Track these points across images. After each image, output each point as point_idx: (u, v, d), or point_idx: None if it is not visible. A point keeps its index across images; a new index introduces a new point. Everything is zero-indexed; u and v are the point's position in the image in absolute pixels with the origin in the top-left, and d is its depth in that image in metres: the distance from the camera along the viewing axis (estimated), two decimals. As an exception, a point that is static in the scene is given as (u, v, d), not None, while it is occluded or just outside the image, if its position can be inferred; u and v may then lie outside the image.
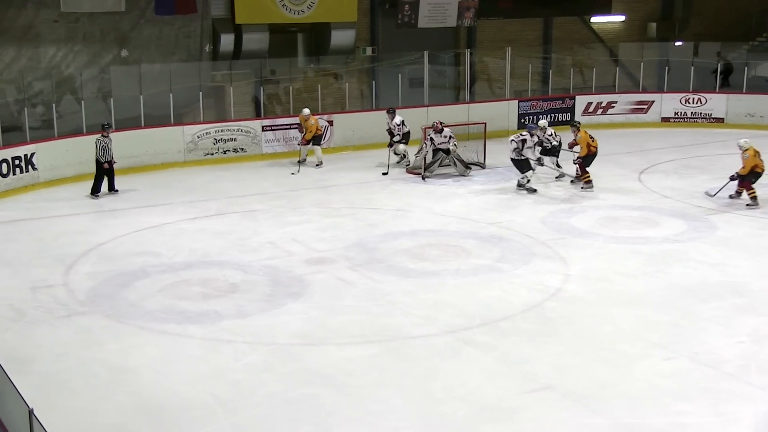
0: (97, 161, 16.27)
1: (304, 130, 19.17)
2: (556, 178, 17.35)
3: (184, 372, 8.94)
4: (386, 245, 13.17)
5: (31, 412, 5.94)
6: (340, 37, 22.80)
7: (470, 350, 9.43)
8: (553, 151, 17.37)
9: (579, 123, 17.54)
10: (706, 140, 21.67)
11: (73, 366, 9.11)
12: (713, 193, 15.59)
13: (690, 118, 23.77)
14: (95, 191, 16.33)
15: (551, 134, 17.33)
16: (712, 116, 23.60)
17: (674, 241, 13.32)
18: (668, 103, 23.89)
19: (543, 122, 17.78)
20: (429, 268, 12.15)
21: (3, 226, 14.45)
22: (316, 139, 19.29)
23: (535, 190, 16.34)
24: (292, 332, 9.96)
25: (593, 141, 16.54)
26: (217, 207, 15.64)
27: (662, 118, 23.93)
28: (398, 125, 18.87)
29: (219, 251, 13.02)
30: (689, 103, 23.75)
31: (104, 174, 16.41)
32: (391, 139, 18.84)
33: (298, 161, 19.25)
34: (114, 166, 16.57)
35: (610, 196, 16.09)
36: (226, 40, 21.39)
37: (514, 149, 16.32)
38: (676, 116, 23.87)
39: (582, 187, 16.50)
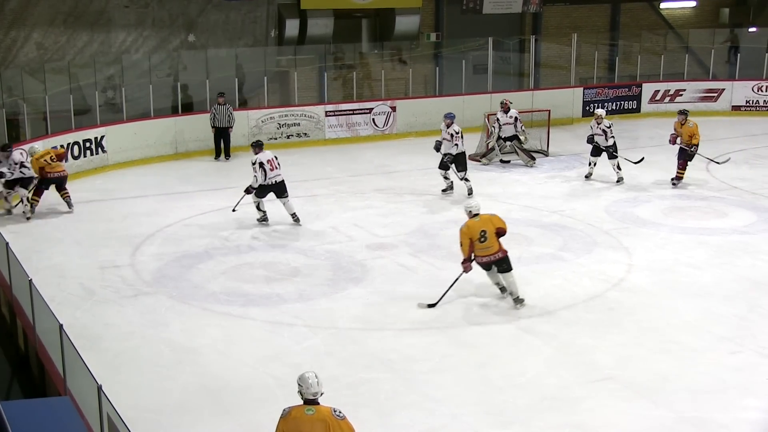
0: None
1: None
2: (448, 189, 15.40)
3: (245, 353, 9.08)
4: (448, 232, 13.12)
5: (99, 389, 6.10)
6: (405, 23, 22.76)
7: (531, 339, 9.37)
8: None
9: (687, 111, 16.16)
10: (779, 130, 21.07)
11: (139, 345, 9.33)
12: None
13: (762, 106, 23.12)
14: (216, 155, 18.44)
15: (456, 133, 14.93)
16: (786, 105, 22.98)
17: (743, 232, 13.01)
18: (739, 91, 23.26)
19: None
20: (490, 256, 12.08)
21: (75, 206, 14.82)
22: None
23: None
24: (352, 317, 10.02)
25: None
26: (281, 191, 15.78)
27: (733, 106, 23.33)
28: None
29: (281, 235, 13.16)
30: (762, 91, 23.10)
31: (218, 140, 18.27)
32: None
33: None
34: (230, 133, 18.43)
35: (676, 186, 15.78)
36: (292, 26, 21.53)
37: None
38: (748, 105, 23.26)
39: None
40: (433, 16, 24.08)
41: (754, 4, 27.50)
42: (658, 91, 23.45)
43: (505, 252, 10.09)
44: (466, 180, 15.15)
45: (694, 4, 27.44)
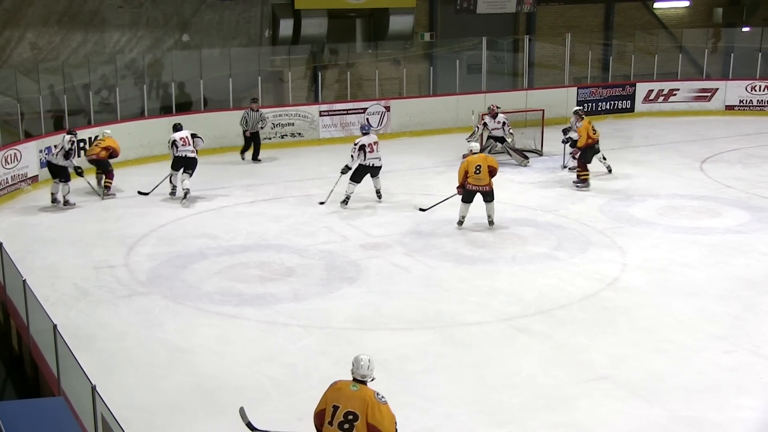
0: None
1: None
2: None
3: (240, 353, 9.08)
4: (442, 231, 13.16)
5: (93, 389, 6.09)
6: (399, 23, 22.76)
7: (525, 338, 9.38)
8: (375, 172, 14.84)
9: (582, 110, 16.66)
10: (772, 129, 21.12)
11: (133, 345, 9.32)
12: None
13: (756, 106, 23.19)
14: (242, 153, 18.57)
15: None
16: (779, 105, 23.04)
17: (737, 231, 13.04)
18: (733, 90, 23.32)
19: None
20: (484, 255, 12.11)
21: (69, 206, 14.79)
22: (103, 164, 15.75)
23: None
24: (346, 316, 10.02)
25: (594, 133, 15.49)
26: (275, 191, 15.80)
27: (726, 106, 23.39)
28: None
29: (276, 235, 13.16)
30: (755, 90, 23.16)
31: (248, 142, 18.26)
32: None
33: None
34: (260, 136, 18.52)
35: (670, 186, 15.81)
36: (286, 25, 21.51)
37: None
38: (741, 104, 23.31)
39: (576, 184, 15.65)
40: (427, 16, 24.08)
41: (747, 3, 27.55)
42: (652, 90, 23.50)
43: (492, 187, 12.98)
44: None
45: (687, 3, 27.49)
